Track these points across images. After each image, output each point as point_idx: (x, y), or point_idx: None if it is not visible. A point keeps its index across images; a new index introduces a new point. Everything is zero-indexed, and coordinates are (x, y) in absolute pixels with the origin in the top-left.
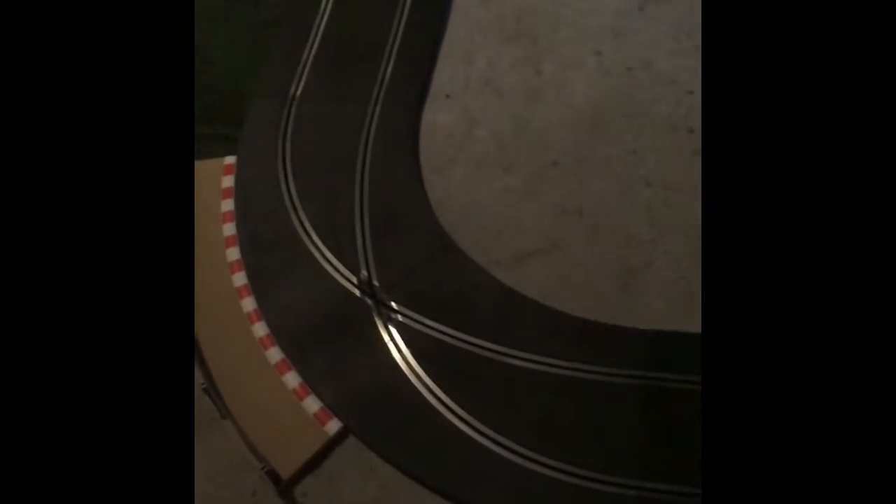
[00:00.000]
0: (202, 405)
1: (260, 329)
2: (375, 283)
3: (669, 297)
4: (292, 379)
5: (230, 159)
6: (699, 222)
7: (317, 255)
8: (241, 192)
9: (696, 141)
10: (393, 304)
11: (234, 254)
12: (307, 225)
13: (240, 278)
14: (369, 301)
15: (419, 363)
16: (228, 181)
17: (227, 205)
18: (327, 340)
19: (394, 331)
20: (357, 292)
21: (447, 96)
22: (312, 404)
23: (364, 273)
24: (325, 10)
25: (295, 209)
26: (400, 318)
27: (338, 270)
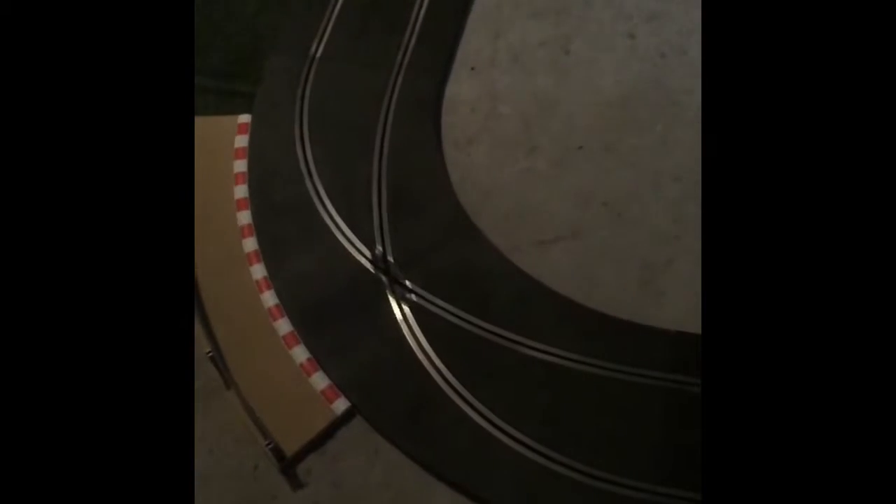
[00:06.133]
0: (207, 373)
1: (269, 298)
2: (390, 259)
3: (691, 298)
4: (300, 353)
5: (245, 118)
6: None
7: (331, 225)
8: (255, 154)
9: None
10: (407, 282)
11: (245, 217)
12: (322, 192)
13: (251, 244)
14: (383, 278)
15: (432, 346)
16: (242, 141)
17: (240, 166)
18: (338, 316)
19: (407, 311)
20: (371, 268)
21: (472, 69)
22: (320, 381)
23: (379, 248)
24: None
25: (310, 175)
26: (414, 297)
27: (352, 243)
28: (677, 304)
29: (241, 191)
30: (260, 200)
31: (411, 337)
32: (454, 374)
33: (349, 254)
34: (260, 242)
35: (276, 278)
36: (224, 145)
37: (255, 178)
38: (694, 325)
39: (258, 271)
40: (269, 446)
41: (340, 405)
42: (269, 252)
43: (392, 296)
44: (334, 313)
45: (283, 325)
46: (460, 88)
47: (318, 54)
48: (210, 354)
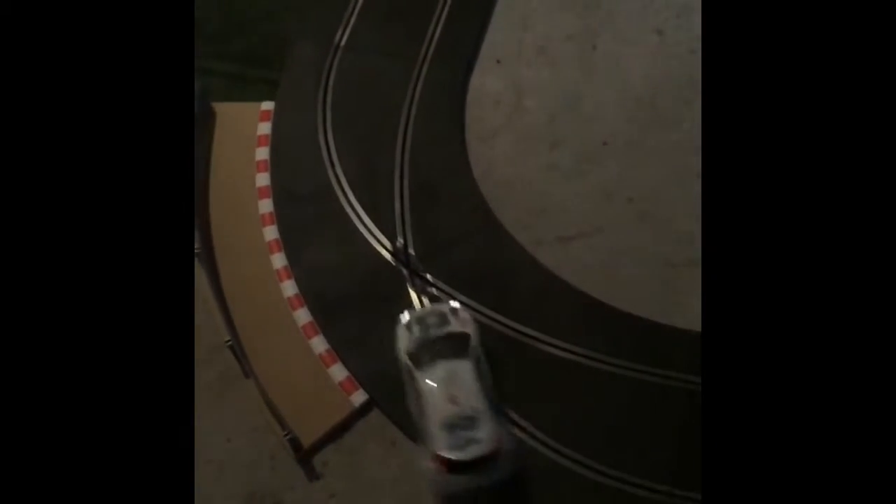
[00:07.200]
0: (226, 362)
1: (289, 288)
2: (412, 251)
3: None
4: (319, 344)
5: (268, 105)
6: None
7: (352, 215)
8: (278, 142)
9: None
10: (428, 276)
11: (266, 206)
12: (344, 182)
13: (271, 232)
14: (404, 270)
15: None
16: (265, 128)
17: (262, 153)
18: (358, 307)
19: (427, 304)
20: (392, 260)
21: (498, 61)
22: (338, 373)
23: (400, 240)
24: None
25: (332, 164)
26: (435, 291)
27: (373, 235)
28: (700, 305)
29: (262, 178)
30: (282, 189)
31: None
32: None
33: (370, 245)
34: (281, 231)
35: (296, 268)
36: (246, 132)
37: (278, 167)
38: None
39: (278, 260)
40: (287, 437)
41: (358, 397)
42: (290, 241)
43: (412, 289)
44: (354, 305)
45: (303, 315)
46: (485, 81)
47: (343, 43)
48: (229, 343)
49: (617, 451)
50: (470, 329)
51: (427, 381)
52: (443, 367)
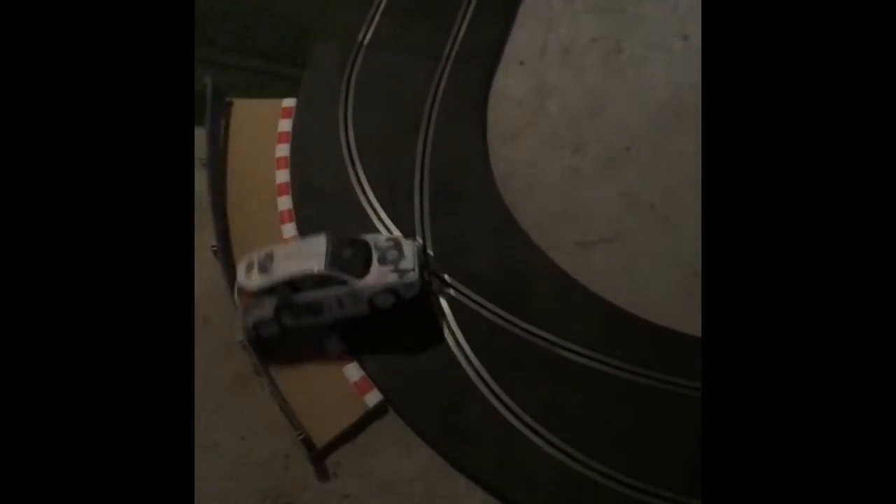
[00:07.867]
0: (240, 359)
1: None
2: (430, 252)
3: None
4: (334, 343)
5: (289, 102)
6: None
7: (371, 215)
8: (299, 139)
9: None
10: (446, 277)
11: (285, 203)
12: (364, 181)
13: (290, 229)
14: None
15: (468, 342)
16: (286, 125)
17: (283, 150)
18: None
19: (445, 305)
20: None
21: (521, 62)
22: (354, 372)
23: (419, 241)
24: None
25: (353, 162)
26: (452, 293)
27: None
28: None
29: (282, 175)
30: (301, 186)
31: (448, 333)
32: (489, 373)
33: None
34: (299, 228)
35: None
36: (267, 129)
37: (297, 164)
38: None
39: None
40: (301, 437)
41: (373, 398)
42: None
43: (431, 289)
44: None
45: None
46: (508, 82)
47: (366, 41)
48: (242, 342)
49: (630, 458)
50: (370, 280)
51: (314, 240)
52: (325, 247)
